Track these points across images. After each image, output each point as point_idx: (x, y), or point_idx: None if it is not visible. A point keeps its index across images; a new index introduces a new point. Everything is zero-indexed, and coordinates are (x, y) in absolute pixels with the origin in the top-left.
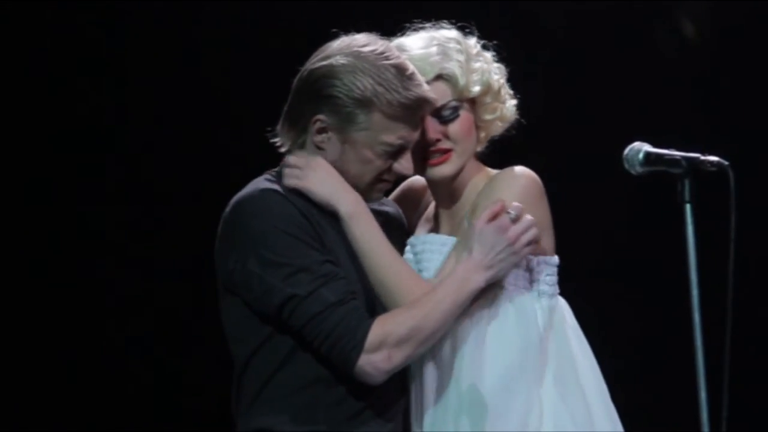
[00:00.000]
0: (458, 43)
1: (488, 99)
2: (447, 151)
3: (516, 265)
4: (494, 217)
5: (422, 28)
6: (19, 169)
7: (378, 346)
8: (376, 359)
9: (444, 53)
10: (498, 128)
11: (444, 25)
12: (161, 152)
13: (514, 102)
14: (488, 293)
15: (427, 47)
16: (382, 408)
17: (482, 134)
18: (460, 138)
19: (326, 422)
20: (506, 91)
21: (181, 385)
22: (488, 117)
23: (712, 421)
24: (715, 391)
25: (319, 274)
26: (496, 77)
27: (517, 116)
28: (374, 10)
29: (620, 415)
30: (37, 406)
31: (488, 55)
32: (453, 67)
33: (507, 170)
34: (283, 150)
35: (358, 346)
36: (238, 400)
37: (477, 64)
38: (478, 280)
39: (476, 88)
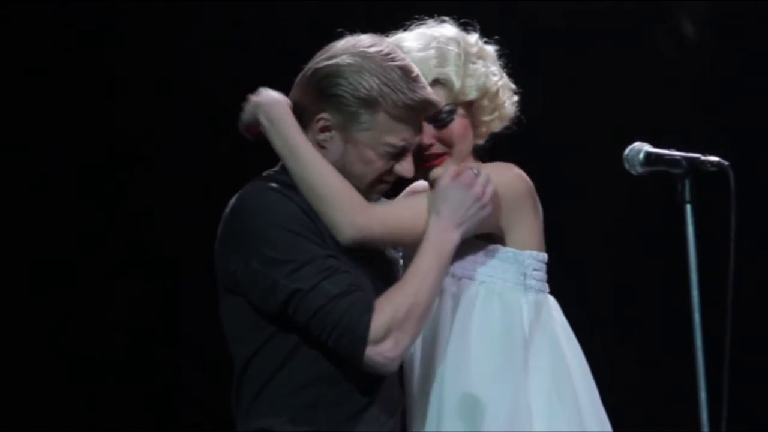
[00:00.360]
0: (458, 44)
1: (485, 102)
2: (441, 155)
3: (485, 220)
4: (457, 175)
5: (423, 24)
6: (19, 170)
7: (384, 335)
8: (383, 348)
9: (442, 56)
10: (498, 125)
11: (446, 20)
12: (161, 153)
13: (514, 99)
14: (475, 286)
15: (425, 50)
16: (382, 407)
17: (483, 129)
18: (454, 142)
19: (327, 422)
20: (506, 92)
21: (181, 385)
22: (486, 118)
23: (712, 421)
24: (715, 391)
25: (322, 267)
26: (494, 79)
27: (518, 113)
28: (374, 10)
29: (620, 415)
30: (37, 406)
31: (491, 51)
32: (449, 73)
33: (494, 164)
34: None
35: (363, 339)
36: (238, 400)
37: (475, 67)
38: (453, 239)
39: (472, 93)
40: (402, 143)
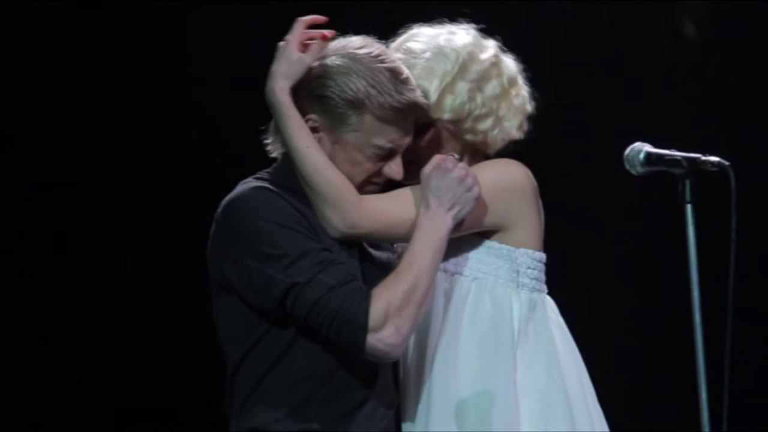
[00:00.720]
0: (456, 57)
1: (466, 124)
2: (410, 162)
3: (475, 202)
4: (437, 163)
5: (446, 24)
6: (18, 171)
7: (383, 322)
8: (384, 335)
9: (429, 67)
10: (496, 144)
11: (472, 27)
12: (158, 154)
13: (516, 123)
14: (467, 282)
15: (419, 56)
16: (376, 405)
17: (482, 146)
18: (423, 153)
19: (319, 420)
20: (498, 118)
21: (177, 384)
22: (468, 138)
23: (712, 421)
24: (715, 390)
25: (317, 260)
26: (479, 102)
27: (520, 137)
28: (372, 10)
29: (620, 415)
30: (36, 407)
31: (506, 71)
32: (427, 86)
33: (499, 160)
34: (273, 154)
35: (363, 327)
36: (231, 399)
37: (462, 86)
38: (445, 224)
39: (446, 113)
40: (389, 145)
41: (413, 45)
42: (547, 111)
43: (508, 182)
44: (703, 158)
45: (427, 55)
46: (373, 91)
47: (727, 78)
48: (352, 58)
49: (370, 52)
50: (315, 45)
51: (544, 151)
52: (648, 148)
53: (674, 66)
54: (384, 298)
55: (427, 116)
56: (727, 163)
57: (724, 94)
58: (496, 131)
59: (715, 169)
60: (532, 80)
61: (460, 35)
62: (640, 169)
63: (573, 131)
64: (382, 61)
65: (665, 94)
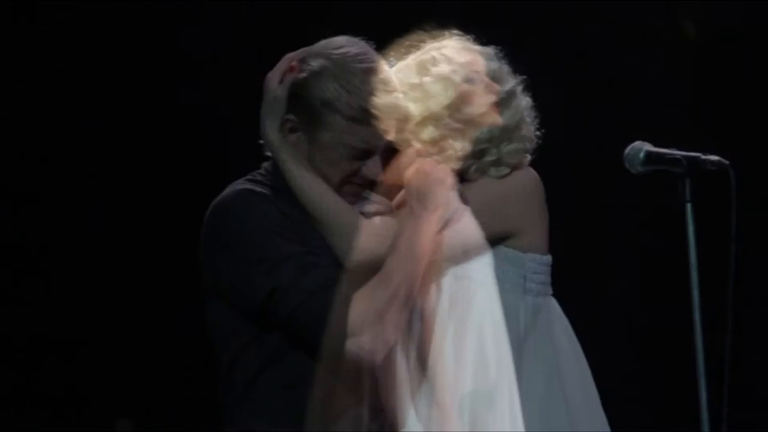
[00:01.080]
0: (454, 92)
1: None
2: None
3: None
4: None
5: (482, 47)
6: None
7: (362, 327)
8: (363, 341)
9: (424, 91)
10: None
11: (500, 61)
12: (152, 156)
13: (500, 173)
14: (474, 286)
15: (420, 76)
16: (367, 407)
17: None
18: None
19: (309, 423)
20: (479, 162)
21: (176, 384)
22: None
23: (712, 421)
24: (715, 390)
25: (299, 264)
26: (452, 144)
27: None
28: (365, 11)
29: (621, 415)
30: (36, 405)
31: (507, 119)
32: (413, 109)
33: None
34: (268, 153)
35: (342, 332)
36: (224, 402)
37: (444, 123)
38: (429, 226)
39: (417, 143)
40: (363, 146)
41: (428, 62)
42: (547, 111)
43: (516, 188)
44: (703, 158)
45: (428, 79)
46: (343, 92)
47: (727, 78)
48: (327, 57)
49: (347, 53)
50: (285, 79)
51: (543, 150)
52: (648, 147)
53: (674, 66)
54: (364, 304)
55: (400, 112)
56: (727, 163)
57: (724, 94)
58: (472, 171)
59: (715, 168)
60: (533, 80)
61: (478, 69)
62: (640, 168)
63: (573, 131)
64: (360, 62)
65: (665, 94)
